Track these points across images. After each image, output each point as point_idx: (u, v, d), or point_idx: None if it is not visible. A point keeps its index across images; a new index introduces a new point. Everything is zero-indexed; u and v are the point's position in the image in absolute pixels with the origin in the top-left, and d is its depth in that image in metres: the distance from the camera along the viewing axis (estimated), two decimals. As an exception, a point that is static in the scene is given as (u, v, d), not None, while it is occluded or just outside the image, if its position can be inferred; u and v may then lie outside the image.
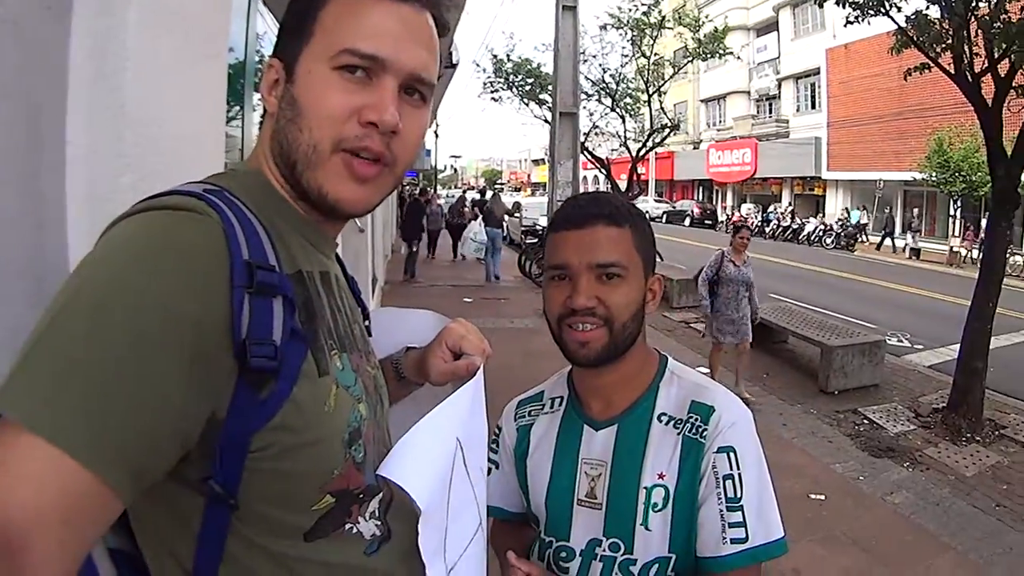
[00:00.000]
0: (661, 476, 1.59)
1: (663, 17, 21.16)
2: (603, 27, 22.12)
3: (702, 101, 57.69)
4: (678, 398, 1.67)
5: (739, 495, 1.53)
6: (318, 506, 1.13)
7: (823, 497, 6.53)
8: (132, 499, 0.92)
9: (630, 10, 21.15)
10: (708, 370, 9.35)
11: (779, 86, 48.77)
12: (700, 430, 1.59)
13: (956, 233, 32.82)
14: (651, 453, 1.62)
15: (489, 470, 1.71)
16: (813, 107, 44.88)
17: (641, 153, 21.26)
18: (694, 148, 57.86)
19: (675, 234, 39.32)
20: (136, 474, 0.91)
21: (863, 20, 9.56)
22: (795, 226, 39.72)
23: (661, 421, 1.65)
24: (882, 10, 9.26)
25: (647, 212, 48.44)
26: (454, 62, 16.51)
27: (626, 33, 21.59)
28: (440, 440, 1.25)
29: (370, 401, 1.28)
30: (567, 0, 14.20)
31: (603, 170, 22.11)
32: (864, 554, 5.56)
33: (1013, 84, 8.41)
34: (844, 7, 9.47)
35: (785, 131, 47.08)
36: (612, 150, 29.23)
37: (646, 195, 55.42)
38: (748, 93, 52.69)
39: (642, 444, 1.63)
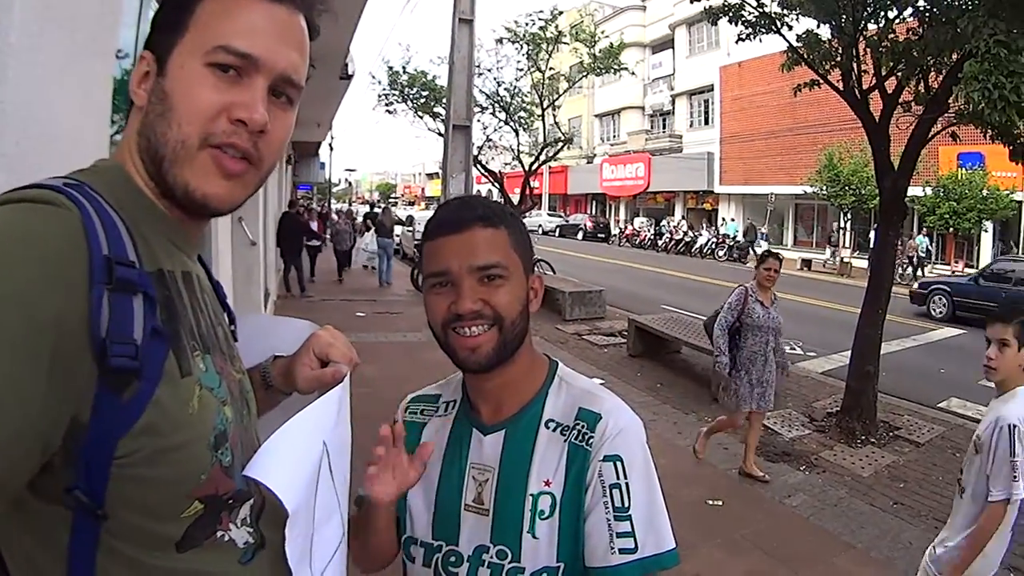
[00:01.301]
0: (547, 483, 1.56)
1: (559, 32, 21.34)
2: (499, 40, 22.26)
3: (596, 116, 58.66)
4: (566, 404, 1.64)
5: (627, 504, 1.50)
6: (187, 513, 1.09)
7: (720, 503, 6.56)
8: None
9: (527, 24, 21.29)
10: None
11: (673, 102, 49.91)
12: (586, 437, 1.56)
13: (846, 244, 34.41)
14: (537, 460, 1.59)
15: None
16: (706, 123, 46.05)
17: (534, 167, 21.40)
18: (588, 162, 58.70)
19: (568, 248, 39.92)
20: None
21: (755, 38, 9.79)
22: (688, 239, 40.47)
23: (548, 427, 1.62)
24: (773, 28, 9.47)
25: (540, 226, 48.79)
26: (350, 73, 16.31)
27: (522, 47, 21.68)
28: (307, 442, 1.25)
29: (236, 405, 1.25)
30: (464, 13, 14.13)
31: (496, 184, 22.16)
32: (766, 557, 5.61)
33: (900, 101, 8.74)
34: (737, 25, 9.65)
35: (679, 146, 48.13)
36: (505, 164, 29.35)
37: (539, 209, 55.89)
38: (643, 108, 53.75)
39: (529, 450, 1.60)
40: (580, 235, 50.50)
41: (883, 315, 9.00)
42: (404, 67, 24.82)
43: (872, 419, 8.89)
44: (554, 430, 1.60)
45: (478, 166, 21.86)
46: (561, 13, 21.56)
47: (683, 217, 46.97)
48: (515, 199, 22.20)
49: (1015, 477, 3.35)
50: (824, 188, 32.28)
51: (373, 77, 26.03)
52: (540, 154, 21.83)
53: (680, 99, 49.16)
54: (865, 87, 8.92)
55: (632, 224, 49.79)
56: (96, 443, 0.95)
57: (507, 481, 1.58)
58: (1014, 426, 3.38)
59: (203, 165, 1.14)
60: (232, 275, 8.70)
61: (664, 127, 50.95)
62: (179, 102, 1.12)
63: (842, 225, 34.83)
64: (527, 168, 21.39)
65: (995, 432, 3.45)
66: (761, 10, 9.52)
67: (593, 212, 57.34)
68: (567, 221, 54.61)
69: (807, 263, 34.18)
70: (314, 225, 21.54)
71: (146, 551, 1.05)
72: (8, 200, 0.97)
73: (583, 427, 1.57)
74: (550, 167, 47.50)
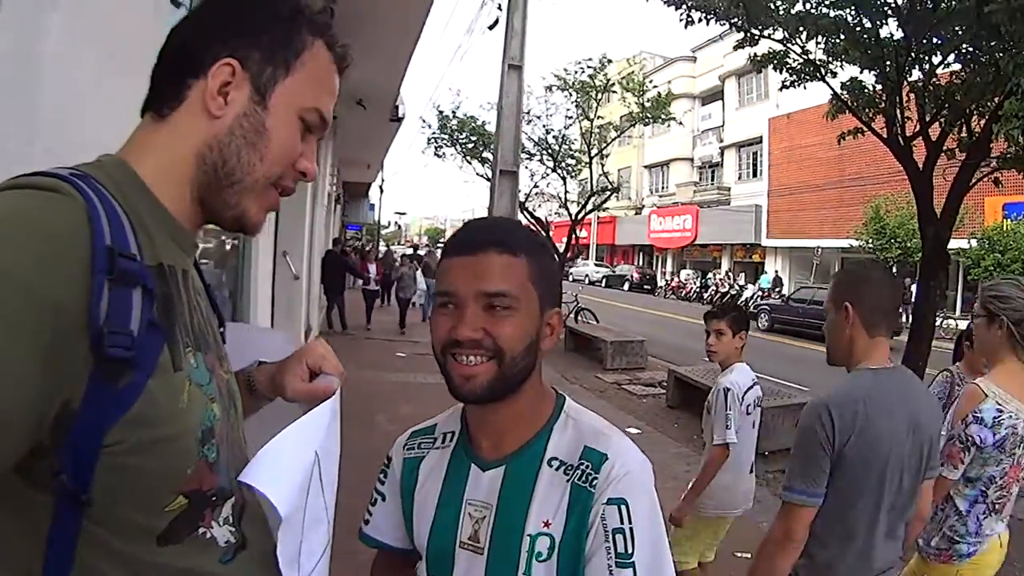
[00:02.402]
0: (547, 524, 1.49)
1: (608, 81, 21.41)
2: (549, 88, 22.35)
3: (645, 167, 58.66)
4: (571, 442, 1.56)
5: (630, 551, 1.42)
6: (171, 507, 1.10)
7: (749, 555, 6.45)
8: None
9: (576, 72, 21.40)
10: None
11: (722, 154, 49.85)
12: (590, 478, 1.49)
13: (893, 299, 33.55)
14: (538, 499, 1.51)
15: (375, 501, 1.78)
16: (755, 175, 45.83)
17: (581, 215, 21.30)
18: (636, 213, 58.65)
19: (614, 298, 39.45)
20: None
21: (799, 85, 9.79)
22: (733, 292, 40.13)
23: (551, 466, 1.54)
24: (817, 76, 9.48)
25: (587, 275, 48.55)
26: (400, 115, 16.51)
27: (571, 95, 21.78)
28: (300, 451, 1.29)
29: (223, 403, 1.26)
30: (513, 59, 14.22)
31: (543, 231, 22.10)
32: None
33: (944, 148, 8.61)
34: (781, 72, 9.66)
35: (727, 198, 48.04)
36: (554, 212, 29.38)
37: (587, 259, 55.86)
38: (691, 160, 53.71)
39: (529, 489, 1.53)
40: (626, 286, 49.94)
41: (923, 367, 8.65)
42: (454, 112, 25.15)
43: None
44: (557, 469, 1.53)
45: (525, 213, 21.95)
46: (611, 62, 21.62)
47: (728, 270, 46.60)
48: (561, 247, 22.11)
49: (727, 426, 4.42)
50: (870, 241, 31.87)
51: (423, 121, 26.39)
52: (587, 203, 21.75)
53: (729, 151, 49.11)
54: (909, 134, 8.84)
55: (678, 276, 49.55)
56: (85, 430, 0.97)
57: (504, 520, 1.52)
58: (727, 389, 4.50)
59: (265, 199, 1.29)
60: (272, 306, 8.81)
61: (712, 179, 50.95)
62: (276, 143, 1.24)
63: (888, 279, 34.23)
64: (573, 216, 21.31)
65: (715, 395, 4.58)
66: (805, 57, 9.55)
67: (640, 263, 57.02)
68: (613, 272, 54.25)
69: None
70: (372, 268, 20.56)
71: (127, 542, 1.06)
72: (14, 185, 1.00)
73: (587, 467, 1.50)
74: (599, 217, 47.48)
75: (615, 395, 13.44)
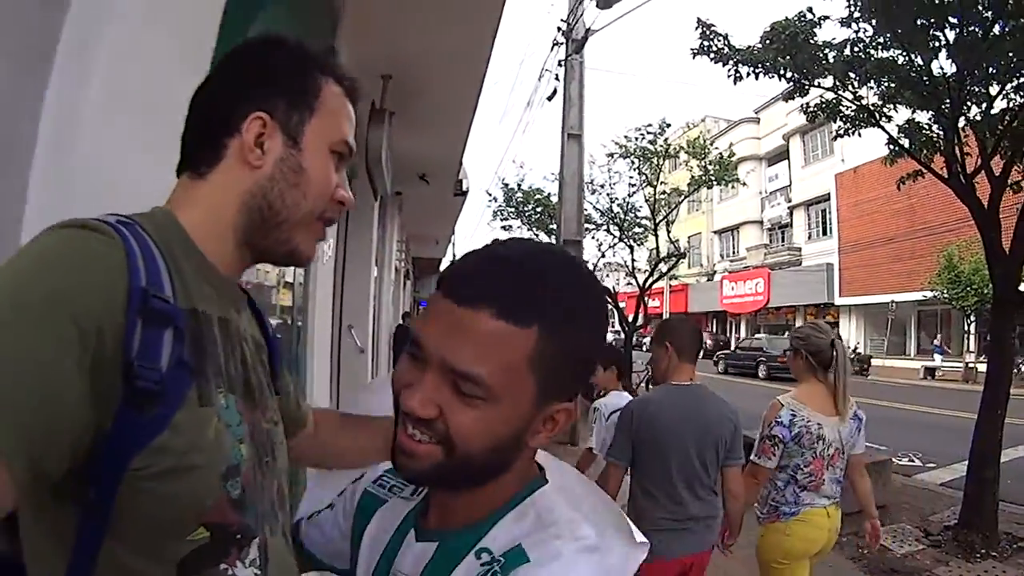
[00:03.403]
0: None
1: (668, 145, 21.40)
2: (610, 155, 22.39)
3: (715, 232, 58.28)
4: (514, 535, 1.18)
5: None
6: (193, 536, 1.13)
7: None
8: (22, 489, 0.93)
9: (636, 138, 21.44)
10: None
11: (791, 214, 49.30)
12: None
13: (971, 348, 32.73)
14: None
15: (331, 505, 1.59)
16: (824, 233, 45.22)
17: (649, 283, 21.07)
18: (708, 280, 58.09)
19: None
20: (31, 461, 0.92)
21: (854, 132, 9.66)
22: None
23: (478, 557, 1.18)
24: (872, 121, 9.34)
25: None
26: (464, 189, 16.68)
27: (633, 162, 21.80)
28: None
29: (255, 447, 1.29)
30: (572, 128, 14.41)
31: (611, 302, 21.95)
32: None
33: (1008, 182, 8.35)
34: (835, 121, 9.57)
35: (797, 259, 47.40)
36: (626, 282, 29.24)
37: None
38: (761, 223, 53.24)
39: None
40: (700, 354, 49.07)
41: (1002, 416, 8.20)
42: (519, 184, 25.40)
43: (993, 530, 7.96)
44: (483, 563, 1.16)
45: (592, 283, 21.90)
46: (669, 125, 21.60)
47: (804, 332, 45.86)
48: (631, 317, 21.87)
49: (591, 437, 5.99)
50: (945, 291, 31.14)
51: (489, 194, 26.69)
52: (654, 270, 21.58)
53: (797, 211, 48.56)
54: (970, 171, 8.53)
55: (752, 341, 48.95)
56: (112, 453, 1.02)
57: None
58: (596, 408, 5.98)
59: (314, 232, 1.39)
60: (337, 381, 8.83)
61: (783, 240, 50.32)
62: (315, 179, 1.34)
63: (966, 328, 33.38)
64: (641, 285, 21.10)
65: (592, 414, 6.07)
66: (858, 104, 9.40)
67: (714, 330, 56.34)
68: (687, 340, 53.38)
69: (930, 371, 33.06)
70: None
71: (148, 564, 1.10)
72: (65, 225, 1.08)
73: (498, 567, 1.13)
74: (671, 286, 46.99)
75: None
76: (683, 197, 23.78)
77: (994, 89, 8.18)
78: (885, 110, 9.32)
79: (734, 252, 55.93)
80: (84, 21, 1.63)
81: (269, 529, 1.29)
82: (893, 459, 11.02)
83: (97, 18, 1.67)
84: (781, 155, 49.95)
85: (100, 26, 1.68)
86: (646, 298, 21.46)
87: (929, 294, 32.38)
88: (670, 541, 4.00)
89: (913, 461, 13.14)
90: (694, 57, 9.60)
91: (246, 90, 1.32)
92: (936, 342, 35.26)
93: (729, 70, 9.34)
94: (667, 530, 4.01)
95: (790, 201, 49.10)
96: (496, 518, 1.22)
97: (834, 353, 4.44)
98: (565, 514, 1.20)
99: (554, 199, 23.00)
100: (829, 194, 43.22)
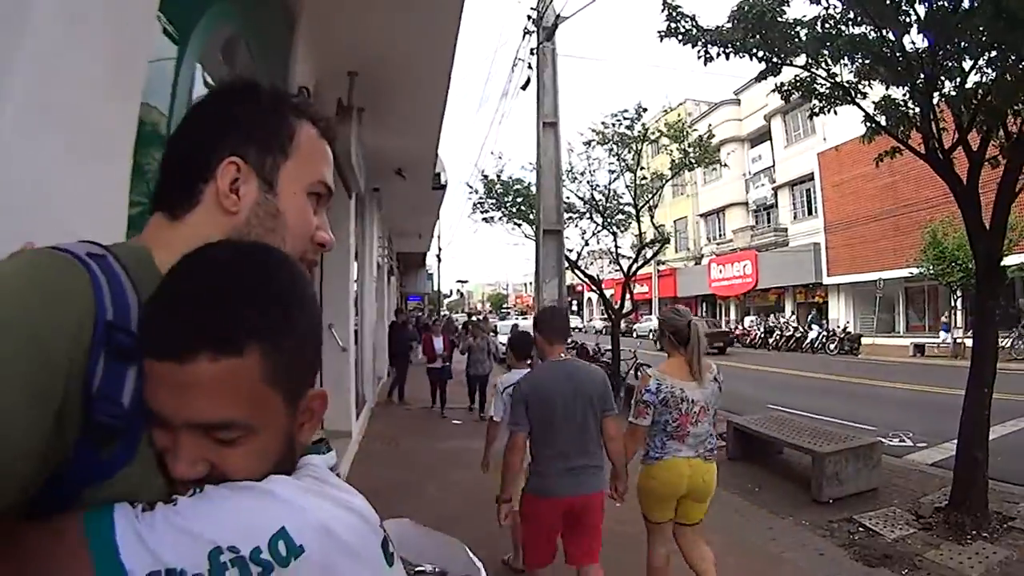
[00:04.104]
0: None
1: (646, 129, 21.24)
2: (588, 143, 22.22)
3: (701, 216, 58.49)
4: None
5: None
6: None
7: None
8: None
9: (613, 125, 21.29)
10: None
11: (775, 194, 49.50)
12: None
13: (958, 324, 33.00)
14: None
15: None
16: (810, 213, 45.40)
17: (633, 269, 20.94)
18: (696, 263, 58.38)
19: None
20: None
21: (830, 110, 9.53)
22: (798, 335, 39.63)
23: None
24: (847, 99, 9.19)
25: (651, 331, 47.81)
26: (442, 183, 16.63)
27: (612, 148, 21.64)
28: None
29: None
30: (547, 117, 14.32)
31: (596, 289, 21.90)
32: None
33: (986, 156, 8.25)
34: (810, 99, 9.43)
35: (784, 239, 47.60)
36: (614, 268, 29.22)
37: (648, 313, 55.52)
38: (746, 204, 53.46)
39: None
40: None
41: (989, 393, 8.12)
42: (498, 175, 25.22)
43: (983, 511, 7.87)
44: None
45: (576, 271, 22.08)
46: (646, 110, 21.37)
47: (793, 312, 46.12)
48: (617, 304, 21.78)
49: (491, 406, 7.02)
50: (931, 267, 31.31)
51: (469, 187, 26.52)
52: (637, 256, 21.43)
53: (782, 191, 48.73)
54: (947, 146, 8.40)
55: (742, 323, 49.10)
56: (63, 484, 1.00)
57: None
58: (495, 385, 6.88)
59: None
60: (320, 380, 8.72)
61: (768, 221, 50.45)
62: (293, 223, 1.35)
63: (952, 304, 33.61)
64: (626, 272, 20.97)
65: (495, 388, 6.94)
66: (833, 81, 9.27)
67: (703, 313, 56.29)
68: (676, 325, 53.52)
69: (919, 348, 33.36)
70: (438, 342, 17.87)
71: None
72: (33, 252, 1.08)
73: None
74: (659, 271, 46.97)
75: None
76: (665, 181, 23.62)
77: (967, 64, 8.02)
78: (860, 87, 9.19)
79: (720, 235, 56.11)
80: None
81: None
82: (884, 440, 11.03)
83: (16, 37, 1.68)
84: (763, 136, 50.16)
85: (20, 39, 1.69)
86: (633, 284, 21.36)
87: (915, 271, 32.54)
88: (559, 483, 5.01)
89: (904, 441, 13.10)
90: (661, 40, 9.36)
91: (220, 135, 1.32)
92: (944, 319, 35.12)
93: (699, 51, 9.15)
94: (555, 475, 5.02)
95: (774, 182, 49.29)
96: None
97: (689, 332, 5.34)
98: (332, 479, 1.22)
99: (534, 189, 22.99)
100: (812, 174, 43.38)
